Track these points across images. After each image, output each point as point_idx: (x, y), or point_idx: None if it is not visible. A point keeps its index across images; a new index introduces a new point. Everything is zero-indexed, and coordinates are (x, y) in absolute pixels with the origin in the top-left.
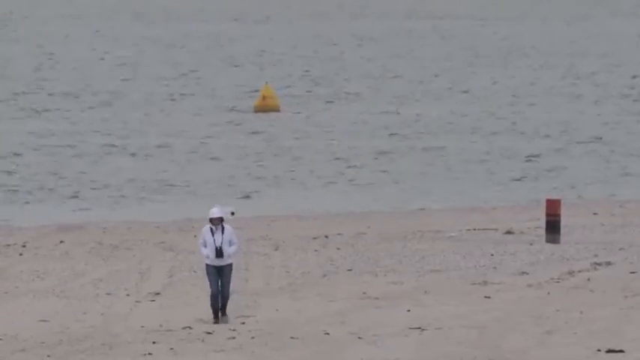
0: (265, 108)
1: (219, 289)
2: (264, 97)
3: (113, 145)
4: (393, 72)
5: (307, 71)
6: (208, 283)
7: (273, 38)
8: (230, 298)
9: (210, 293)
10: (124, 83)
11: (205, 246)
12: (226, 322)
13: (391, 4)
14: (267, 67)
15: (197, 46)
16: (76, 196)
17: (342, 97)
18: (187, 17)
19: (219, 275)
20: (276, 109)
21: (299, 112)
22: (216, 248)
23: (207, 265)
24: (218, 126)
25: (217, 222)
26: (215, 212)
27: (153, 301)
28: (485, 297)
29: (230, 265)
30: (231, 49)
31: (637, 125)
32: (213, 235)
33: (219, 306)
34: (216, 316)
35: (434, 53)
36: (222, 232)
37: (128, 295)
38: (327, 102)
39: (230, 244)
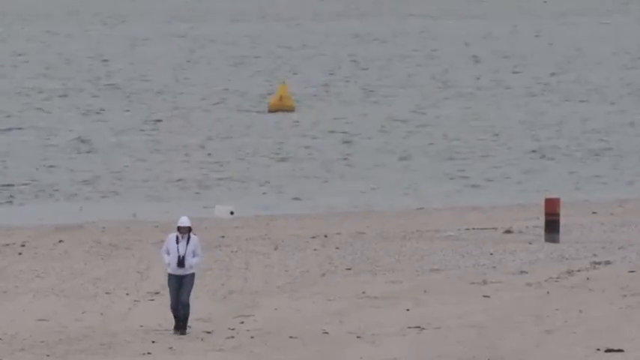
0: (281, 107)
1: (178, 299)
2: (280, 97)
3: (113, 144)
4: (408, 72)
5: (325, 71)
6: (169, 293)
7: (292, 37)
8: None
9: (169, 304)
10: (132, 80)
11: (168, 254)
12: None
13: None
14: (285, 66)
15: (210, 44)
16: (76, 196)
17: (360, 97)
18: (204, 17)
19: (180, 284)
20: (291, 109)
21: (314, 113)
22: (179, 257)
23: (168, 274)
24: (229, 125)
25: (185, 231)
26: (184, 221)
27: (152, 300)
28: (485, 296)
29: (192, 276)
30: (247, 48)
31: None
32: (177, 243)
33: (181, 314)
34: (177, 324)
35: (451, 56)
36: (188, 242)
37: (127, 294)
38: (344, 102)
39: (194, 254)
